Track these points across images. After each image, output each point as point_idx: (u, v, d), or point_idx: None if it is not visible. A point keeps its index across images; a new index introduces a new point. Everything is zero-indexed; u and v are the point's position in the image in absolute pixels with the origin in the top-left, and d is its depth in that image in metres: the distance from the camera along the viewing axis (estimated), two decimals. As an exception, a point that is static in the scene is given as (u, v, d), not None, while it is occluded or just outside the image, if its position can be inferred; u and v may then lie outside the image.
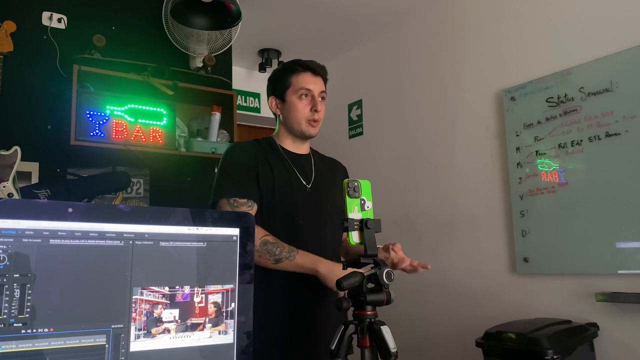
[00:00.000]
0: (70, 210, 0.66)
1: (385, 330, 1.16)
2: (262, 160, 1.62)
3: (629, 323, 2.36)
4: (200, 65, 2.92)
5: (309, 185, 1.66)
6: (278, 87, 1.68)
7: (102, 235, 0.68)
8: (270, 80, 1.74)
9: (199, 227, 0.76)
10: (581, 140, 2.56)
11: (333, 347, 1.21)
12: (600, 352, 2.39)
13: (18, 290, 0.61)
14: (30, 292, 0.62)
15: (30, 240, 0.63)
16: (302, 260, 1.48)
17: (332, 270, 1.43)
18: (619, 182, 2.40)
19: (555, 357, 2.10)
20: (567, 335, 2.26)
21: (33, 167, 2.58)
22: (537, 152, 2.74)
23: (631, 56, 2.41)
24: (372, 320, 1.21)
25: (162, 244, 0.72)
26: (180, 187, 2.93)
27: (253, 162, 1.60)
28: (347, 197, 1.28)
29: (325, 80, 1.71)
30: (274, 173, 1.61)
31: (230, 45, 3.07)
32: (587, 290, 2.50)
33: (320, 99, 1.66)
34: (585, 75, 2.57)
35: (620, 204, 2.39)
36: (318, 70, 1.67)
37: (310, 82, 1.64)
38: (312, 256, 1.48)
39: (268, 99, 1.74)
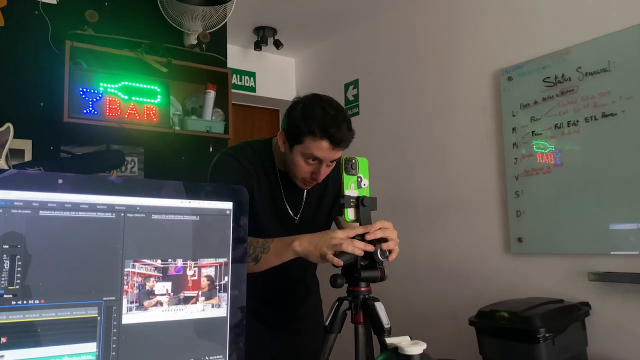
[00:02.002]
0: (60, 181, 0.65)
1: (379, 307, 1.16)
2: (255, 180, 1.51)
3: (620, 302, 2.39)
4: (195, 42, 2.89)
5: (297, 217, 1.57)
6: (290, 132, 1.43)
7: (92, 207, 0.67)
8: (288, 114, 1.46)
9: (192, 201, 0.75)
10: (577, 121, 2.55)
11: (327, 323, 1.22)
12: (592, 331, 2.42)
13: (8, 262, 0.60)
14: (20, 263, 0.61)
15: (19, 211, 0.62)
16: (277, 247, 1.34)
17: (312, 244, 1.29)
18: (614, 164, 2.40)
19: (547, 335, 2.12)
20: (559, 314, 2.28)
21: (26, 145, 2.55)
22: (533, 132, 2.74)
23: (630, 35, 2.39)
24: (366, 296, 1.21)
25: (154, 216, 0.71)
26: (174, 165, 2.92)
27: (247, 180, 1.49)
28: (344, 174, 1.27)
29: (345, 147, 1.44)
30: (263, 201, 1.51)
31: (225, 23, 3.03)
32: (580, 270, 2.52)
33: (329, 162, 1.45)
34: (583, 55, 2.55)
35: (615, 186, 2.39)
36: (340, 143, 1.40)
37: (324, 152, 1.40)
38: (285, 239, 1.35)
39: (280, 128, 1.51)
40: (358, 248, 1.20)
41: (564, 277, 2.59)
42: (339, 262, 1.20)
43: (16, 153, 2.51)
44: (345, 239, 1.22)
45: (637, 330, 2.32)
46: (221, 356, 0.75)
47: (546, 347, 2.12)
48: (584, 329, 2.40)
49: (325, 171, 1.46)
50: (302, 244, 1.29)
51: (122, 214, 0.69)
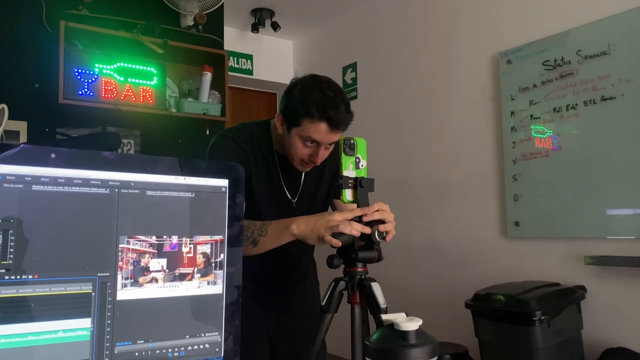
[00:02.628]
0: (53, 155, 0.64)
1: (376, 287, 1.17)
2: (252, 163, 1.49)
3: (615, 285, 2.40)
4: (191, 23, 2.86)
5: (294, 199, 1.56)
6: (287, 114, 1.40)
7: (86, 182, 0.66)
8: (286, 95, 1.43)
9: (187, 177, 0.74)
10: (576, 104, 2.54)
11: (324, 303, 1.22)
12: (587, 314, 2.44)
13: (0, 236, 0.59)
14: (12, 238, 0.60)
15: (11, 185, 0.61)
16: (275, 230, 1.33)
17: (309, 226, 1.27)
18: (612, 148, 2.40)
19: (542, 318, 2.14)
20: (555, 297, 2.29)
21: (21, 127, 2.54)
22: (531, 116, 2.72)
23: (630, 18, 2.37)
24: (363, 277, 1.21)
25: (149, 192, 0.71)
26: (171, 148, 2.91)
27: (245, 162, 1.46)
28: (343, 155, 1.26)
29: (344, 130, 1.41)
30: (260, 184, 1.50)
31: (222, 4, 2.99)
32: (576, 254, 2.53)
33: (327, 145, 1.42)
34: (583, 38, 2.53)
35: (613, 171, 2.39)
36: (338, 125, 1.37)
37: (322, 135, 1.37)
38: (282, 221, 1.33)
39: (278, 109, 1.49)
40: (355, 229, 1.20)
41: (560, 260, 2.60)
42: (337, 242, 1.19)
43: (11, 135, 2.50)
44: (343, 221, 1.21)
45: (632, 313, 2.34)
46: (217, 333, 0.74)
47: (541, 330, 2.14)
48: (580, 312, 2.42)
49: (323, 154, 1.44)
50: (300, 227, 1.29)
51: (116, 190, 0.68)
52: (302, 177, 1.58)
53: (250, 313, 1.57)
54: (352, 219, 1.23)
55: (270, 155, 1.53)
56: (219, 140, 1.52)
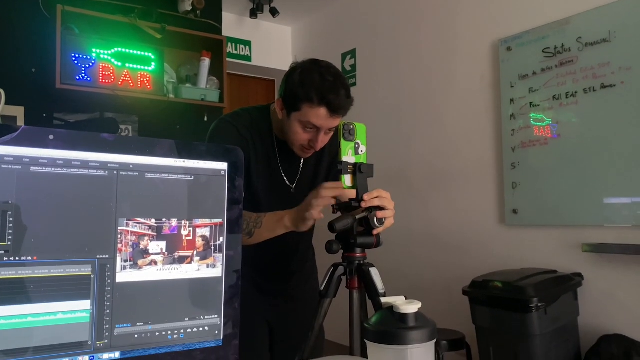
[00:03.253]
0: (51, 137, 0.64)
1: (374, 272, 1.17)
2: (252, 149, 1.48)
3: (612, 273, 2.41)
4: (189, 8, 2.83)
5: (293, 185, 1.55)
6: (287, 99, 1.39)
7: (85, 164, 0.66)
8: (286, 80, 1.41)
9: (186, 160, 0.74)
10: (576, 92, 2.53)
11: (322, 288, 1.22)
12: (583, 301, 2.45)
13: (-1, 218, 0.59)
14: (11, 219, 0.60)
15: (10, 166, 0.61)
16: (269, 222, 1.34)
17: (299, 216, 1.29)
18: (611, 137, 2.40)
19: (539, 305, 2.15)
20: (552, 285, 2.30)
21: (18, 112, 2.52)
22: (531, 103, 2.72)
23: (631, 5, 2.35)
24: (361, 262, 1.21)
25: (148, 175, 0.70)
26: (169, 134, 2.90)
27: (245, 148, 1.45)
28: (342, 140, 1.26)
29: (344, 115, 1.40)
30: (260, 170, 1.50)
31: (221, -12, 2.97)
32: (573, 241, 2.53)
33: (327, 130, 1.40)
34: (583, 25, 2.52)
35: (611, 160, 2.39)
36: (338, 110, 1.35)
37: (322, 120, 1.36)
38: (277, 214, 1.34)
39: (277, 94, 1.47)
40: (318, 213, 1.23)
41: (557, 248, 2.61)
42: (319, 215, 1.22)
43: (9, 120, 2.48)
44: (316, 198, 1.23)
45: (628, 300, 2.35)
46: (216, 316, 0.75)
47: (538, 317, 2.15)
48: (576, 299, 2.43)
49: (323, 139, 1.43)
50: (291, 218, 1.31)
51: (115, 172, 0.68)
52: (301, 163, 1.57)
53: (250, 299, 1.58)
54: (349, 202, 1.23)
55: (270, 141, 1.52)
56: (219, 125, 1.51)
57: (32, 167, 0.62)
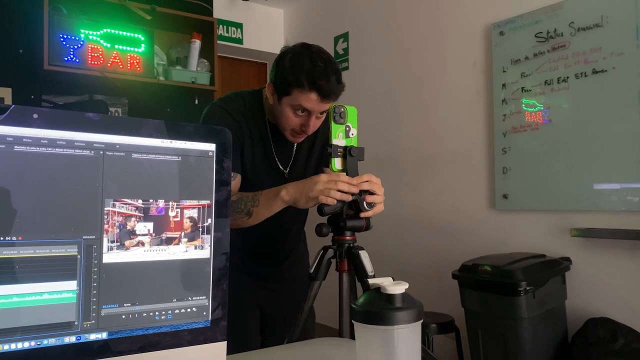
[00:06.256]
0: (35, 116, 0.63)
1: (364, 255, 1.17)
2: (246, 134, 1.48)
3: (599, 257, 2.44)
4: (180, -11, 2.79)
5: (286, 170, 1.55)
6: (278, 83, 1.40)
7: (70, 144, 0.65)
8: (276, 64, 1.42)
9: (173, 141, 0.73)
10: (567, 77, 2.53)
11: (312, 271, 1.23)
12: (571, 284, 2.48)
13: (-18, 197, 0.58)
14: (-5, 199, 0.59)
15: (-8, 145, 0.60)
16: (266, 199, 1.34)
17: (298, 190, 1.29)
18: (602, 122, 2.41)
19: (527, 288, 2.17)
20: (541, 269, 2.33)
21: (6, 93, 2.49)
22: (522, 88, 2.72)
23: (624, -10, 2.35)
24: (351, 245, 1.22)
25: (135, 155, 0.70)
26: (159, 117, 2.87)
27: (239, 134, 1.46)
28: (333, 123, 1.26)
29: (335, 100, 1.40)
30: (253, 155, 1.49)
31: (211, -31, 2.93)
32: (562, 226, 2.56)
33: (318, 114, 1.41)
34: (576, 9, 2.51)
35: (602, 145, 2.40)
36: (328, 95, 1.36)
37: (312, 104, 1.36)
38: (273, 189, 1.35)
39: (268, 79, 1.48)
40: (342, 190, 1.21)
41: (547, 232, 2.63)
42: (333, 201, 1.20)
43: (-4, 101, 2.45)
44: (329, 182, 1.22)
45: (615, 284, 2.38)
46: (204, 297, 0.75)
47: (526, 300, 2.17)
48: (564, 283, 2.46)
49: (315, 123, 1.43)
50: (289, 192, 1.30)
51: (101, 152, 0.67)
52: (294, 148, 1.57)
53: (240, 281, 1.59)
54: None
55: (263, 126, 1.52)
56: (212, 110, 1.50)
57: (15, 147, 0.61)
